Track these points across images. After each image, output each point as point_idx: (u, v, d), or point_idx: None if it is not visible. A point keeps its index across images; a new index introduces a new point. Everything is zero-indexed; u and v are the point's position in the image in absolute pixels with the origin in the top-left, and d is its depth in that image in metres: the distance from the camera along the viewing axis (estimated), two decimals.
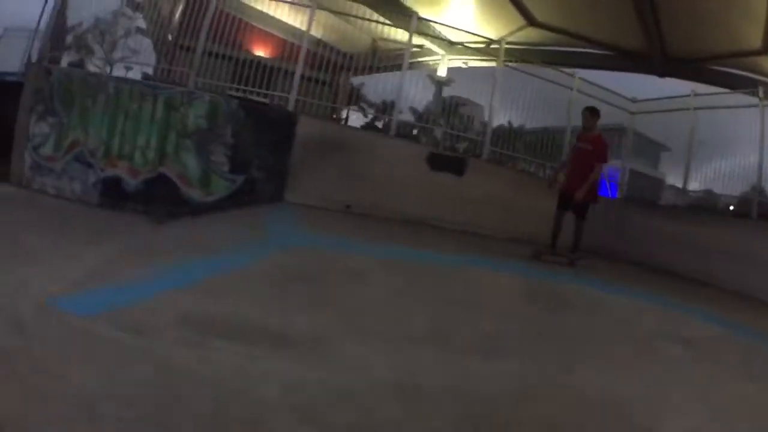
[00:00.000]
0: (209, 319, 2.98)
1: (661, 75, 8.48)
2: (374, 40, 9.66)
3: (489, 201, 6.92)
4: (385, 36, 8.83)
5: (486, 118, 7.75)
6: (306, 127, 6.29)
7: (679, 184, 7.27)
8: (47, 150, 6.32)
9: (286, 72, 7.23)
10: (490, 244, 6.13)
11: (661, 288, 5.30)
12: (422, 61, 10.12)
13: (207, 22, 6.67)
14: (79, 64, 8.02)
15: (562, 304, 3.95)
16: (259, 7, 10.23)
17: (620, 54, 8.68)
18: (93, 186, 6.13)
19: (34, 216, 5.14)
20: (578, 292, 4.29)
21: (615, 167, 7.84)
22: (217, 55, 7.26)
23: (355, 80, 9.52)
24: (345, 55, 8.57)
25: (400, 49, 8.28)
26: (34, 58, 7.89)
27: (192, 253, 4.22)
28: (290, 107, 6.68)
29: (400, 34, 7.74)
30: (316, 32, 7.61)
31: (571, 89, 7.41)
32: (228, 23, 7.19)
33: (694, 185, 7.14)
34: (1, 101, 9.19)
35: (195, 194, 6.06)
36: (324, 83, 8.15)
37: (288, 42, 8.52)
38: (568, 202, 5.42)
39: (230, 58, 7.51)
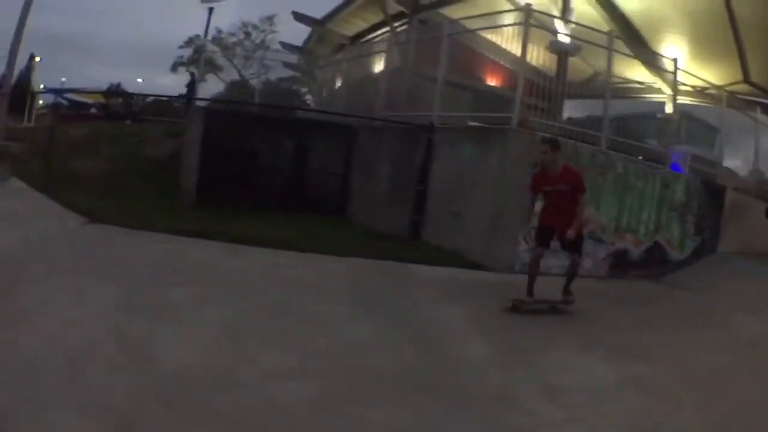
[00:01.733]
0: None
1: None
2: (595, 72, 10.88)
3: None
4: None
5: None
6: (729, 195, 8.06)
7: None
8: None
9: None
10: None
11: None
12: (648, 98, 11.87)
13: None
14: None
15: None
16: (490, 37, 10.67)
17: None
18: (603, 260, 6.95)
19: None
20: None
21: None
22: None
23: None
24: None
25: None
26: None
27: None
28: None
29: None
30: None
31: None
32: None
33: None
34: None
35: (675, 255, 7.52)
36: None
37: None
38: (550, 240, 4.85)
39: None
